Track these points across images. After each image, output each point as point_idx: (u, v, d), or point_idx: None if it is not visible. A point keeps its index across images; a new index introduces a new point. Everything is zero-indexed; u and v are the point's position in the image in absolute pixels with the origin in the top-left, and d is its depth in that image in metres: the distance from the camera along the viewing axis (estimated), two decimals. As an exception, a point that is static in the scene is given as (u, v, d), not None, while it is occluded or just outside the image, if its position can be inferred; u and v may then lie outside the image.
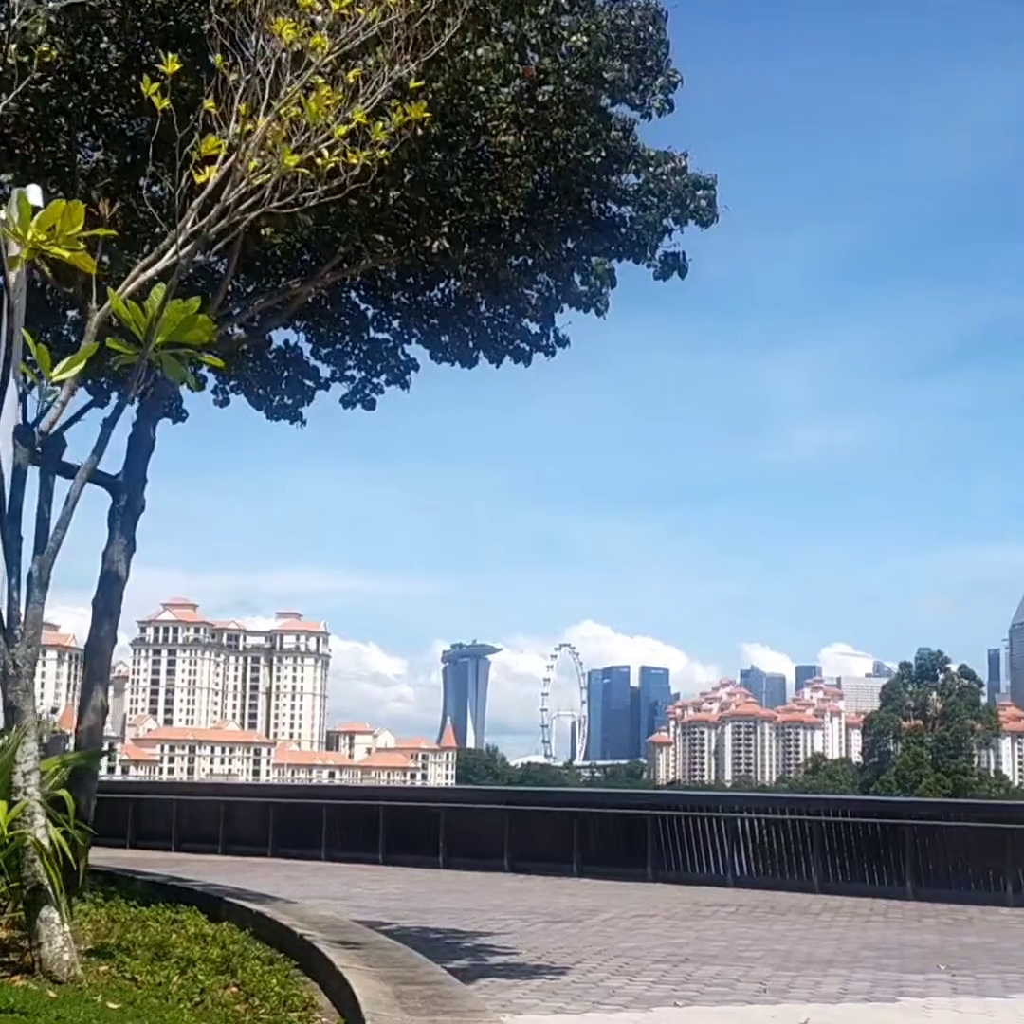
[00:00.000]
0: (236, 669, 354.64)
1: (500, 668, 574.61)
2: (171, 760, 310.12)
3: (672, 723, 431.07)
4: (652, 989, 12.89)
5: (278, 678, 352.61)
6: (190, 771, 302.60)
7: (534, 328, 14.97)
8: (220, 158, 8.21)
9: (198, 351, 8.69)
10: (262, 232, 12.50)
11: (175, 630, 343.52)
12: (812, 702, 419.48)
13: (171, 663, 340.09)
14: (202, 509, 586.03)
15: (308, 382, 16.80)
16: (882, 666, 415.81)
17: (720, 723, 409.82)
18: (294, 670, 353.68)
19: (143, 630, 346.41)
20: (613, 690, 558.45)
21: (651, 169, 12.77)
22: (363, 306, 15.81)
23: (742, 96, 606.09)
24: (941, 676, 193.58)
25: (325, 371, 16.66)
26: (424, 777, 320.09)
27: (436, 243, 12.14)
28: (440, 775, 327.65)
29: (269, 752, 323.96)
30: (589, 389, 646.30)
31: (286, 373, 16.79)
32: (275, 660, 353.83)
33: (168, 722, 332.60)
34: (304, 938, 9.38)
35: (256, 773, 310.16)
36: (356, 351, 16.24)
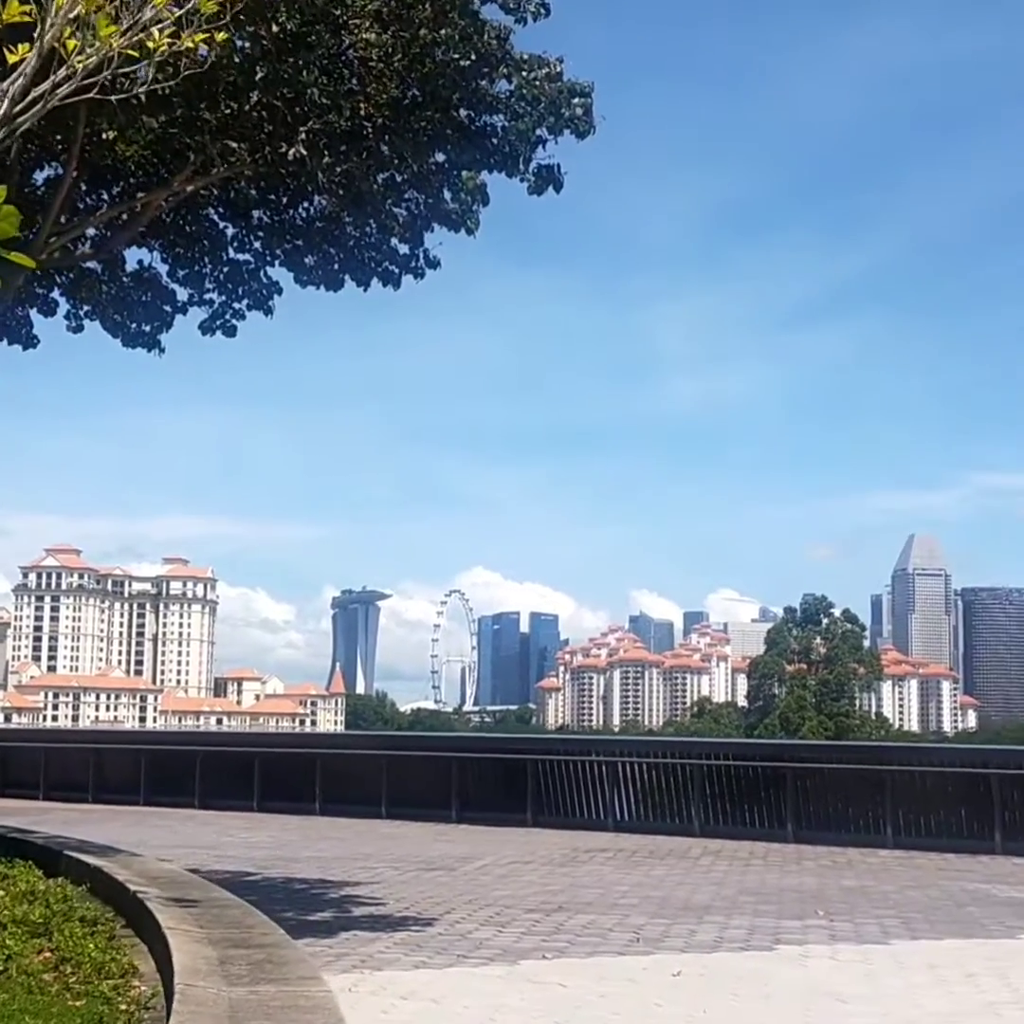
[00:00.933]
0: (122, 616, 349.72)
1: (390, 614, 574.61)
2: (55, 708, 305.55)
3: (561, 669, 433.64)
4: (521, 940, 12.35)
5: (164, 625, 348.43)
6: (74, 718, 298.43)
7: (403, 249, 14.12)
8: (36, 34, 7.28)
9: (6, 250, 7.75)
10: (104, 135, 11.55)
11: (58, 576, 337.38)
12: (699, 647, 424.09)
13: (54, 609, 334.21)
14: (81, 454, 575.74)
15: (165, 306, 15.80)
16: (768, 611, 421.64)
17: (609, 668, 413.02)
18: (181, 616, 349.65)
19: (25, 576, 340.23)
20: (503, 636, 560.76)
21: (524, 74, 11.97)
22: (222, 224, 14.82)
23: (622, 43, 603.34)
24: (825, 621, 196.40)
25: (183, 295, 15.65)
26: (313, 723, 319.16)
27: (293, 151, 11.27)
28: (329, 721, 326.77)
29: (156, 699, 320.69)
30: (474, 336, 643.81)
31: (142, 297, 15.77)
32: (162, 606, 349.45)
33: (51, 669, 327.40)
34: (137, 896, 8.63)
35: (142, 720, 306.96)
36: (215, 273, 15.26)
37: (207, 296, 15.46)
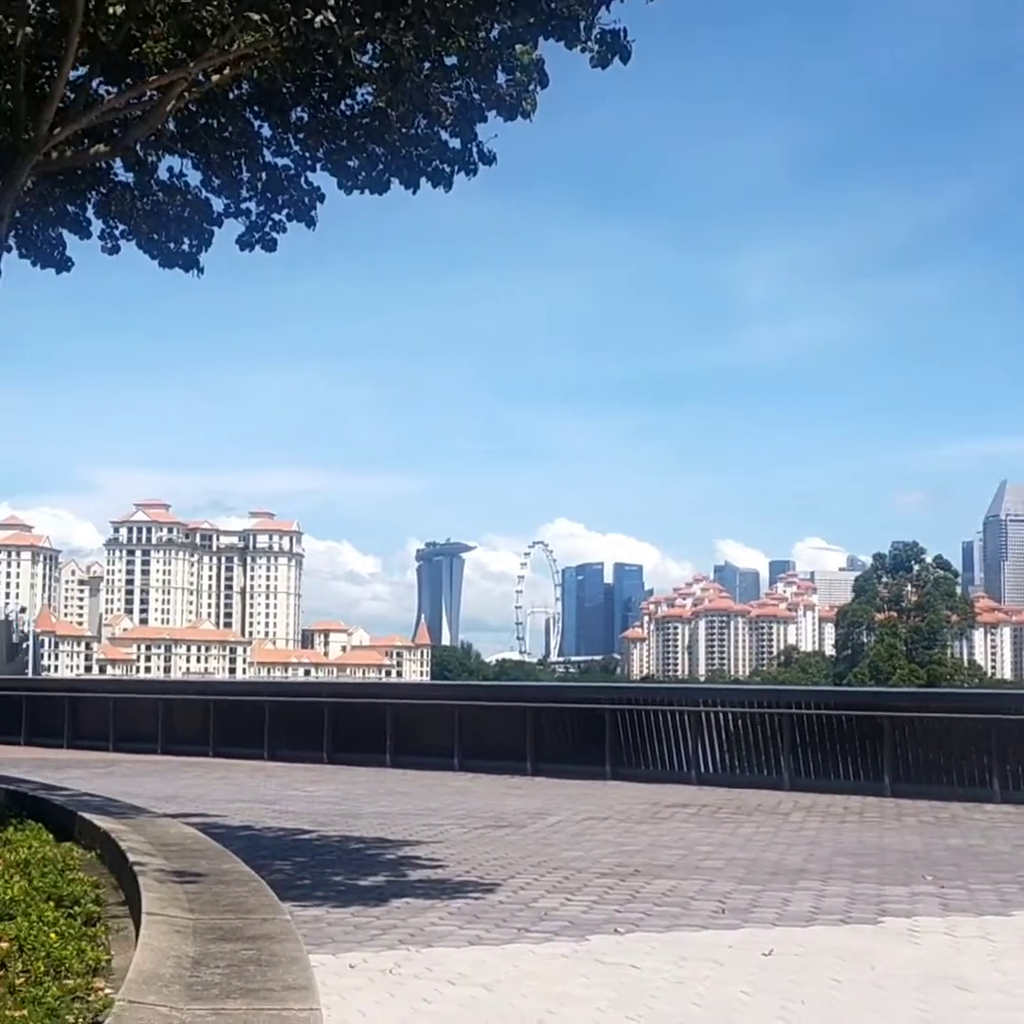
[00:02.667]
0: (210, 569, 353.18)
1: (475, 566, 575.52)
2: (148, 659, 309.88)
3: (646, 619, 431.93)
4: (591, 911, 11.02)
5: (252, 577, 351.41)
6: (166, 670, 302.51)
7: (453, 143, 12.72)
8: None
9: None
10: (110, 8, 10.21)
11: (149, 530, 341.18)
12: (785, 596, 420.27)
13: (145, 563, 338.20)
14: (170, 408, 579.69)
15: (200, 220, 14.51)
16: (856, 560, 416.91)
17: (693, 618, 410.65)
18: (268, 569, 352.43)
19: (116, 530, 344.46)
20: (587, 587, 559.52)
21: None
22: (257, 124, 13.51)
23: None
24: (916, 567, 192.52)
25: (218, 205, 14.39)
26: (399, 675, 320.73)
27: (321, 18, 9.87)
28: (415, 672, 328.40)
29: (245, 651, 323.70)
30: (554, 286, 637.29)
31: (176, 210, 14.49)
32: (249, 559, 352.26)
33: (144, 622, 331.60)
34: (133, 868, 7.40)
35: (232, 671, 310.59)
36: (252, 180, 13.95)
37: (244, 205, 14.13)
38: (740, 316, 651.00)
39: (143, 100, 12.29)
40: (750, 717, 24.16)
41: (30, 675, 63.83)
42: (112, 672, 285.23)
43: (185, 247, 15.24)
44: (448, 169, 12.77)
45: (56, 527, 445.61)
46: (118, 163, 14.48)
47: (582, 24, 10.65)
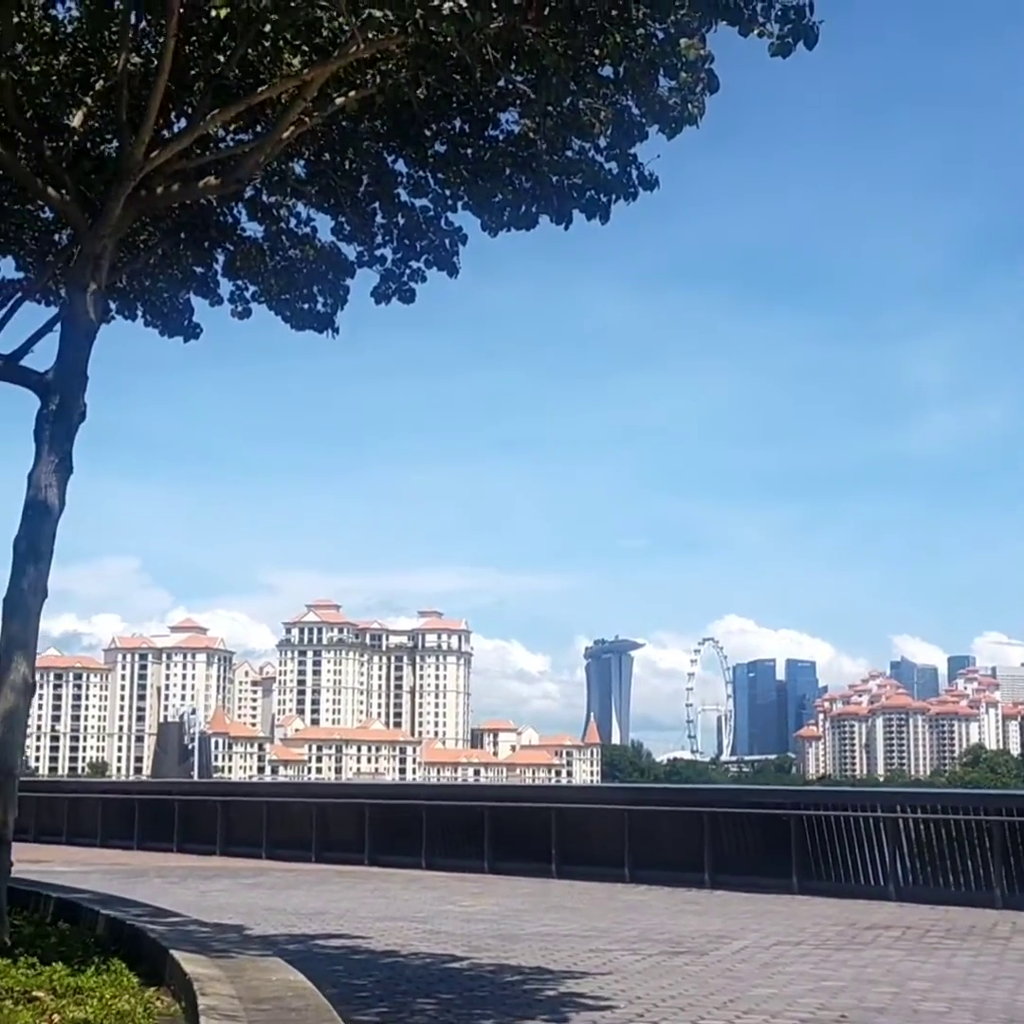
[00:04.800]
0: (380, 668, 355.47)
1: (644, 663, 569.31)
2: (319, 760, 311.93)
3: (820, 716, 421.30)
4: (793, 1073, 8.98)
5: (421, 677, 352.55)
6: (337, 771, 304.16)
7: (609, 166, 11.15)
8: None
9: None
10: (212, 11, 8.88)
11: (319, 631, 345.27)
12: (966, 693, 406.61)
13: (316, 663, 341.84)
14: (337, 511, 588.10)
15: (333, 272, 13.17)
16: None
17: (870, 716, 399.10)
18: (437, 668, 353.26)
19: (288, 631, 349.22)
20: (759, 684, 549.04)
21: None
22: (391, 159, 12.12)
23: (869, 69, 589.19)
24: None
25: (351, 254, 13.03)
26: (569, 775, 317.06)
27: (449, 4, 8.39)
28: (585, 772, 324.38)
29: (415, 751, 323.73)
30: (719, 380, 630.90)
31: (306, 264, 13.17)
32: (418, 659, 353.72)
33: (315, 722, 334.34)
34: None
35: (402, 772, 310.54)
36: (388, 222, 12.59)
37: (379, 252, 12.72)
38: (912, 404, 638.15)
39: (259, 132, 10.97)
40: (954, 824, 21.67)
41: (195, 777, 63.14)
42: (284, 773, 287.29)
43: (319, 306, 13.93)
44: (604, 198, 11.17)
45: (231, 629, 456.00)
46: (243, 215, 13.24)
47: (759, 4, 8.99)
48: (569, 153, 11.08)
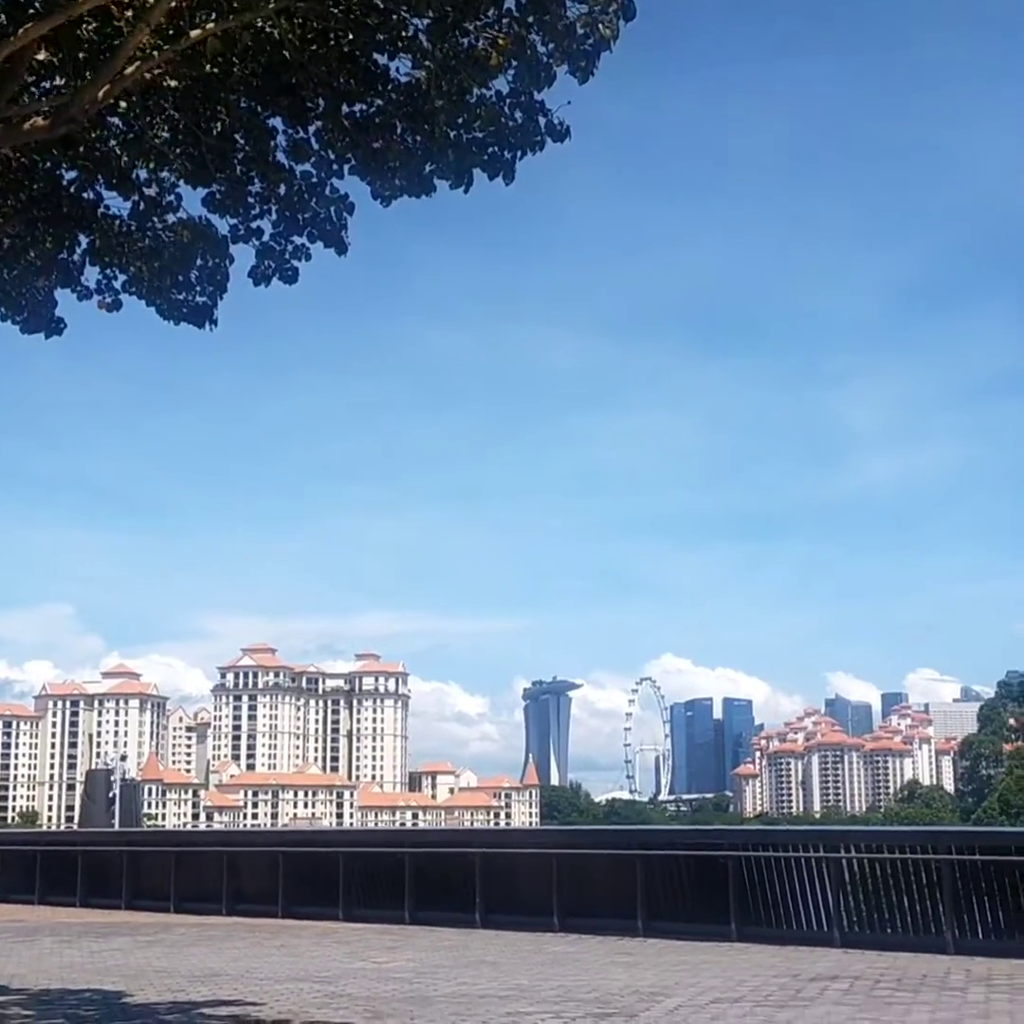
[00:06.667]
0: (317, 712, 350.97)
1: (582, 704, 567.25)
2: (255, 806, 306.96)
3: (757, 754, 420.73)
4: None
5: (359, 720, 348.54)
6: (274, 816, 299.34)
7: (514, 116, 9.78)
8: None
9: None
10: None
11: (255, 675, 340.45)
12: (900, 729, 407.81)
13: (252, 708, 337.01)
14: (278, 556, 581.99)
15: (206, 250, 11.66)
16: (970, 690, 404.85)
17: (806, 753, 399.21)
18: (375, 712, 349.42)
19: (223, 676, 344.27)
20: (696, 723, 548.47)
21: None
22: (265, 117, 10.67)
23: (798, 125, 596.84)
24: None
25: (223, 228, 11.53)
26: (508, 816, 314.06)
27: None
28: (524, 813, 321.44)
29: (352, 795, 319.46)
30: (660, 424, 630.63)
31: (175, 243, 11.65)
32: (355, 702, 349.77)
33: (251, 767, 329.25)
34: None
35: (339, 817, 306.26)
36: (265, 192, 11.14)
37: (255, 225, 11.23)
38: (850, 448, 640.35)
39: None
40: (900, 864, 20.33)
41: (115, 826, 60.68)
42: (219, 819, 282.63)
43: (197, 296, 12.40)
44: (507, 154, 9.78)
45: (165, 674, 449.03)
46: (104, 191, 11.71)
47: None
48: (467, 103, 9.68)
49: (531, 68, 9.32)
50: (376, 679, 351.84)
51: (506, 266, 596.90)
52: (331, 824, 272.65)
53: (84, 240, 12.44)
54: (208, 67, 9.80)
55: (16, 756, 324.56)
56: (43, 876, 31.75)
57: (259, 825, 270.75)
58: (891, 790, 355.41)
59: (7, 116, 9.38)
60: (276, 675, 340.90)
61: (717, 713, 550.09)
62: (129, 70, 9.09)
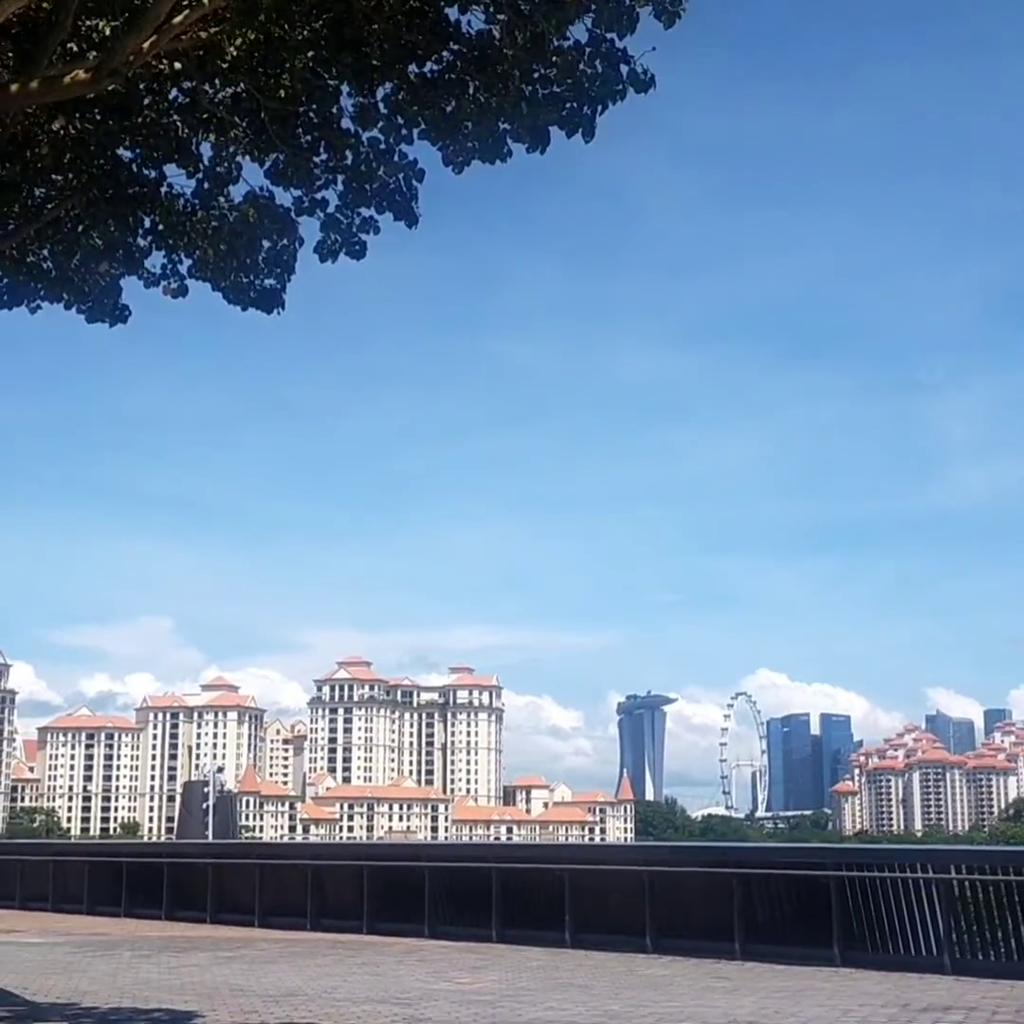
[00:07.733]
0: (411, 725, 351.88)
1: (677, 718, 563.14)
2: (350, 818, 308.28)
3: (856, 771, 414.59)
4: None
5: (453, 733, 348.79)
6: (369, 829, 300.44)
7: (594, 64, 8.99)
8: None
9: None
10: None
11: (350, 688, 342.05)
12: (1004, 746, 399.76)
13: (347, 721, 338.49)
14: (373, 570, 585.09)
15: (273, 229, 11.00)
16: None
17: (907, 770, 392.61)
18: (469, 725, 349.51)
19: (319, 688, 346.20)
20: (793, 738, 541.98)
21: None
22: (330, 81, 9.97)
23: (893, 133, 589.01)
24: None
25: (286, 200, 10.85)
26: (602, 831, 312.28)
27: None
28: (618, 829, 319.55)
29: (447, 808, 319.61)
30: (750, 437, 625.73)
31: (240, 215, 11.00)
32: (449, 715, 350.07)
33: (346, 780, 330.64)
34: None
35: (434, 830, 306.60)
36: (330, 160, 10.46)
37: (320, 196, 10.51)
38: (943, 459, 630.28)
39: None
40: (1017, 886, 19.10)
41: (210, 838, 60.64)
42: (316, 832, 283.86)
43: (265, 279, 11.73)
44: (587, 109, 8.97)
45: (262, 687, 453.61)
46: (169, 172, 11.08)
47: None
48: (545, 48, 8.89)
49: (612, 10, 8.54)
50: (470, 692, 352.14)
51: (590, 279, 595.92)
52: (426, 837, 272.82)
53: (147, 221, 11.84)
54: (267, 23, 9.13)
55: (118, 768, 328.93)
56: (129, 888, 31.38)
57: (354, 838, 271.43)
58: (995, 809, 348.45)
59: (50, 74, 8.75)
60: (371, 688, 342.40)
61: (814, 729, 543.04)
62: (177, 20, 8.44)
